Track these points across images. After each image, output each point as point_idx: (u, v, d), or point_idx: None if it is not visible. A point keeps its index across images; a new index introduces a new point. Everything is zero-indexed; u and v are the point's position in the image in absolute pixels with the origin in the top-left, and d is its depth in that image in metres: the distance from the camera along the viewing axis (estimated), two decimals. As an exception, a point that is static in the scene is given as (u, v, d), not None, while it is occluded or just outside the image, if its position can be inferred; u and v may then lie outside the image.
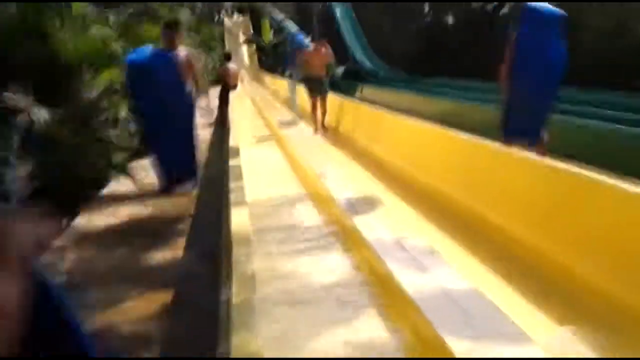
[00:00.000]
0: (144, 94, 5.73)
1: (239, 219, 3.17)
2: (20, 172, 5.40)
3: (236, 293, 2.08)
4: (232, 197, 3.72)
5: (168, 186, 6.16)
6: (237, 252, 2.57)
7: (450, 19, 21.66)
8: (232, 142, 6.66)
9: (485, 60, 17.43)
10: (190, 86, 5.94)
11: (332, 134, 9.30)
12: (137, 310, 3.52)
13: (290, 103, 13.74)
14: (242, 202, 3.59)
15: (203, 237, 4.86)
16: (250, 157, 6.62)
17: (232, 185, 4.12)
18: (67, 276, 4.14)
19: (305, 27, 29.51)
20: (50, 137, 5.76)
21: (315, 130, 9.36)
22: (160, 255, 4.51)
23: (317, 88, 9.58)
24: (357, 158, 6.81)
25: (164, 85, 5.66)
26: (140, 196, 6.40)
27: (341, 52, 25.20)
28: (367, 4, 26.60)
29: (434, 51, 20.76)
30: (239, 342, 1.74)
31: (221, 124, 11.75)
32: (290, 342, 2.44)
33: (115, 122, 6.82)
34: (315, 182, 5.03)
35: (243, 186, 4.04)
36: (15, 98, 5.57)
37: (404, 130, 6.55)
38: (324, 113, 9.52)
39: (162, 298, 3.68)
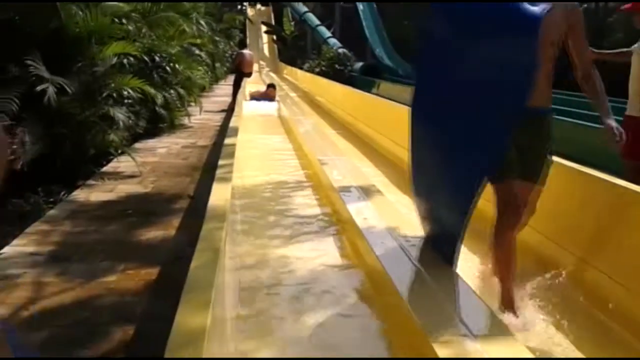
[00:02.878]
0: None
1: (218, 196, 3.06)
2: (27, 138, 5.35)
3: (194, 267, 1.96)
4: (218, 173, 3.62)
5: None
6: (206, 227, 2.45)
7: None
8: (233, 123, 6.56)
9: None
10: None
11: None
12: (119, 285, 3.44)
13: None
14: (226, 179, 3.48)
15: (198, 218, 4.77)
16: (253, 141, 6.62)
17: (221, 162, 4.01)
18: (55, 246, 4.08)
19: (326, 19, 29.46)
20: (62, 109, 5.70)
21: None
22: (152, 234, 4.43)
23: None
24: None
25: None
26: (140, 176, 6.35)
27: (361, 48, 25.15)
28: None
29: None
30: (182, 319, 1.62)
31: (232, 110, 11.68)
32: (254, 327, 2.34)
33: (121, 100, 6.74)
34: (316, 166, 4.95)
35: (232, 164, 3.93)
36: (39, 67, 5.53)
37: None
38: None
39: (147, 275, 3.59)
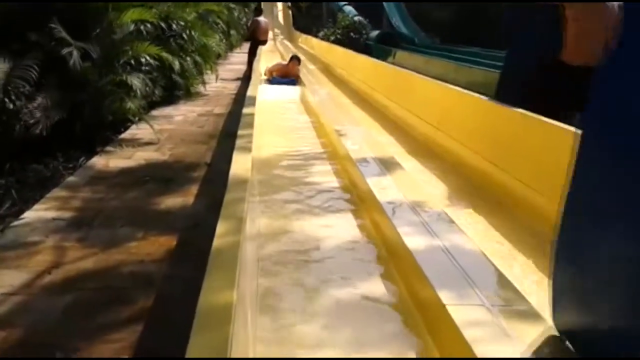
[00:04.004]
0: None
1: (239, 165, 3.07)
2: (45, 104, 5.41)
3: (219, 235, 1.97)
4: (238, 142, 3.62)
5: None
6: (228, 197, 2.46)
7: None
8: (250, 92, 6.52)
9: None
10: None
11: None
12: (140, 250, 3.49)
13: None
14: (247, 149, 3.48)
15: (215, 185, 4.81)
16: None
17: (241, 132, 4.01)
18: (75, 212, 4.14)
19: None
20: (81, 75, 5.73)
21: None
22: (171, 201, 4.47)
23: None
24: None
25: None
26: (158, 143, 6.38)
27: (378, 16, 24.79)
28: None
29: (472, 20, 20.20)
30: (208, 291, 1.64)
31: (249, 79, 11.63)
32: (277, 297, 2.36)
33: (138, 67, 6.74)
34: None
35: (251, 133, 3.92)
36: (63, 33, 5.55)
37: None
38: None
39: (167, 241, 3.65)
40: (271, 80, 10.11)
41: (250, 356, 1.88)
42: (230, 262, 1.77)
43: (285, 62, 10.89)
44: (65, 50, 5.44)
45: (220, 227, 2.05)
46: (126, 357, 2.44)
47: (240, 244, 1.87)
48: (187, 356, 1.31)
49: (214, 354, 1.33)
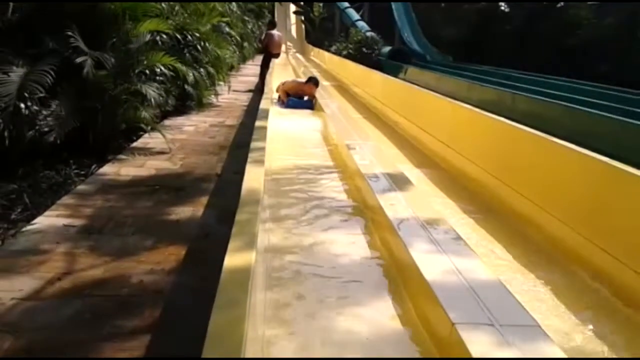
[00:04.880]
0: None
1: (252, 179, 3.08)
2: (60, 111, 5.47)
3: (231, 250, 1.99)
4: (251, 156, 3.64)
5: None
6: (242, 211, 2.48)
7: (504, 7, 21.01)
8: (264, 105, 6.55)
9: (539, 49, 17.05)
10: None
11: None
12: (150, 259, 3.51)
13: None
14: (259, 162, 3.50)
15: (225, 196, 4.84)
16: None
17: (254, 145, 4.03)
18: (86, 219, 4.16)
19: (356, 2, 29.19)
20: (96, 83, 5.79)
21: None
22: (181, 210, 4.49)
23: None
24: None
25: None
26: (170, 153, 6.43)
27: (390, 32, 24.91)
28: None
29: (486, 39, 20.25)
30: (220, 311, 1.65)
31: (260, 91, 11.69)
32: (291, 317, 2.37)
33: (152, 76, 6.80)
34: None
35: (264, 147, 3.94)
36: (79, 41, 5.62)
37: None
38: None
39: (176, 250, 3.66)
40: (286, 103, 8.92)
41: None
42: (243, 280, 1.78)
43: (301, 80, 9.85)
44: (80, 59, 5.50)
45: (233, 243, 2.07)
46: (136, 357, 2.45)
47: (252, 261, 1.88)
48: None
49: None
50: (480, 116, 5.45)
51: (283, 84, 9.43)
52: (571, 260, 3.38)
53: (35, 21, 5.67)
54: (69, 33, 5.55)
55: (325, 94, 9.62)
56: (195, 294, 3.08)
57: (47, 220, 4.10)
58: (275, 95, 9.38)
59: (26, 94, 5.06)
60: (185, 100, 9.23)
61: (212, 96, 10.63)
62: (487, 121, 5.27)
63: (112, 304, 2.96)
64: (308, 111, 8.55)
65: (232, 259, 1.94)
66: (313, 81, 9.34)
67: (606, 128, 7.26)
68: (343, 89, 12.83)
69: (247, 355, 1.43)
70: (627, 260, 3.03)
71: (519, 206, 4.11)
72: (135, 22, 6.49)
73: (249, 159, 3.55)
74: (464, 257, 2.72)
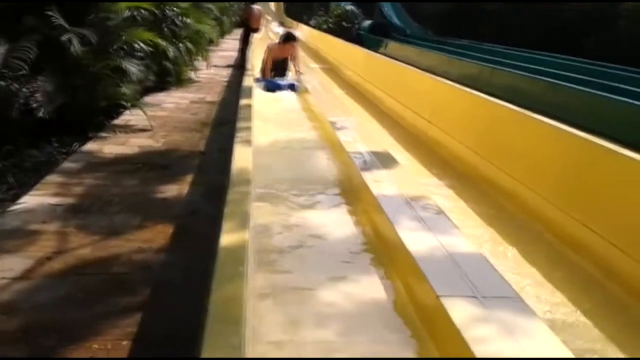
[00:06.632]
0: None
1: (241, 158, 3.12)
2: (47, 88, 5.42)
3: (226, 230, 2.04)
4: (238, 136, 3.67)
5: None
6: (233, 191, 2.53)
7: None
8: (246, 82, 6.54)
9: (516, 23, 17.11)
10: None
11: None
12: (138, 237, 3.54)
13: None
14: (247, 142, 3.53)
15: (210, 174, 4.87)
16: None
17: (240, 124, 4.05)
18: (72, 198, 4.17)
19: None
20: (79, 60, 5.73)
21: None
22: (166, 188, 4.51)
23: None
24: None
25: None
26: (151, 130, 6.41)
27: (370, 6, 24.77)
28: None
29: (465, 13, 20.25)
30: (220, 285, 1.71)
31: (241, 66, 11.62)
32: (282, 293, 2.43)
33: (132, 52, 6.73)
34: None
35: (250, 126, 3.97)
36: (59, 18, 5.54)
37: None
38: None
39: (164, 228, 3.69)
40: (267, 84, 8.07)
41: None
42: (239, 258, 1.83)
43: (277, 43, 9.10)
44: (65, 36, 5.43)
45: (227, 223, 2.12)
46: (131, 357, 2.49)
47: (247, 239, 1.94)
48: (203, 351, 1.37)
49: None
50: (459, 91, 5.54)
51: (264, 58, 8.79)
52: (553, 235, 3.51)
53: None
54: (50, 13, 5.46)
55: (307, 70, 9.62)
56: (185, 271, 3.13)
57: (33, 199, 4.09)
58: (257, 72, 8.92)
59: (5, 71, 5.00)
60: (165, 77, 9.14)
61: (192, 72, 10.53)
62: (466, 96, 5.36)
63: (103, 283, 2.99)
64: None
65: (228, 238, 2.00)
66: (290, 39, 8.75)
67: (586, 103, 7.40)
68: (323, 62, 12.80)
69: (247, 324, 1.50)
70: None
71: (500, 180, 4.22)
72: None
73: (236, 139, 3.58)
74: (448, 233, 2.82)
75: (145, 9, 7.36)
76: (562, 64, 11.54)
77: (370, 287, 2.59)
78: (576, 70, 10.41)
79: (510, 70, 10.50)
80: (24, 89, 5.29)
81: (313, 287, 2.49)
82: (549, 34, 15.57)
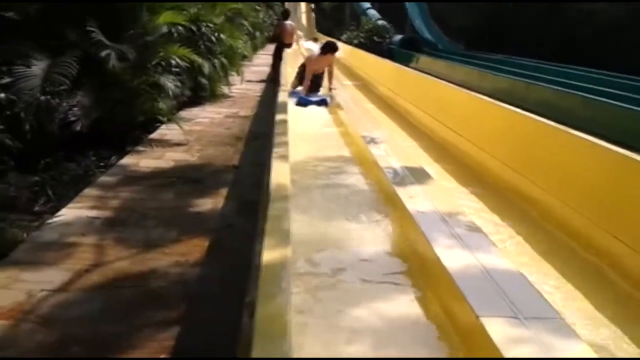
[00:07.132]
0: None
1: (279, 174, 3.13)
2: (85, 102, 5.56)
3: (268, 246, 2.05)
4: (275, 151, 3.68)
5: None
6: (273, 207, 2.53)
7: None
8: (282, 98, 6.59)
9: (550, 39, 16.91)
10: None
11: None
12: (174, 250, 3.57)
13: None
14: (284, 157, 3.54)
15: (244, 188, 4.90)
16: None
17: (277, 140, 4.07)
18: (110, 211, 4.24)
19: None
20: (117, 75, 5.87)
21: None
22: (202, 202, 4.56)
23: None
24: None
25: None
26: (187, 144, 6.49)
27: (401, 20, 24.80)
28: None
29: (497, 26, 20.10)
30: (264, 302, 1.72)
31: (273, 81, 11.72)
32: (320, 310, 2.42)
33: (169, 68, 6.86)
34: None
35: (287, 141, 3.99)
36: (99, 34, 5.70)
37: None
38: None
39: (200, 242, 3.73)
40: (299, 99, 7.72)
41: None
42: (281, 274, 1.85)
43: (316, 53, 8.58)
44: (104, 52, 5.58)
45: (268, 240, 2.13)
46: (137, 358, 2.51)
47: (288, 256, 1.95)
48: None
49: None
50: (492, 105, 5.48)
51: (308, 62, 8.27)
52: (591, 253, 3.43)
53: (53, 14, 5.74)
54: (90, 28, 5.61)
55: (339, 85, 9.61)
56: (222, 285, 3.15)
57: (70, 212, 4.17)
58: (289, 86, 8.46)
59: (49, 88, 5.14)
60: (199, 91, 9.28)
61: (225, 87, 10.67)
62: (499, 111, 5.30)
63: (140, 296, 3.03)
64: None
65: (270, 255, 2.01)
66: (330, 48, 8.27)
67: (623, 118, 7.25)
68: (356, 78, 12.81)
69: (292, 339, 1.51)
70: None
71: (538, 196, 4.14)
72: (152, 14, 6.54)
73: (273, 154, 3.59)
74: (485, 250, 2.77)
75: (182, 25, 7.52)
76: (596, 79, 11.35)
77: (407, 305, 2.56)
78: (609, 85, 10.22)
79: (545, 85, 10.37)
80: (64, 104, 5.42)
81: (350, 303, 2.48)
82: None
